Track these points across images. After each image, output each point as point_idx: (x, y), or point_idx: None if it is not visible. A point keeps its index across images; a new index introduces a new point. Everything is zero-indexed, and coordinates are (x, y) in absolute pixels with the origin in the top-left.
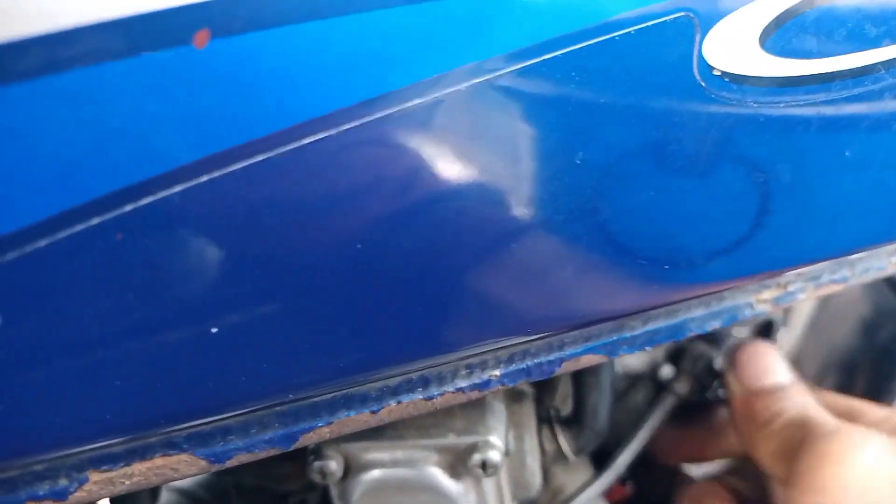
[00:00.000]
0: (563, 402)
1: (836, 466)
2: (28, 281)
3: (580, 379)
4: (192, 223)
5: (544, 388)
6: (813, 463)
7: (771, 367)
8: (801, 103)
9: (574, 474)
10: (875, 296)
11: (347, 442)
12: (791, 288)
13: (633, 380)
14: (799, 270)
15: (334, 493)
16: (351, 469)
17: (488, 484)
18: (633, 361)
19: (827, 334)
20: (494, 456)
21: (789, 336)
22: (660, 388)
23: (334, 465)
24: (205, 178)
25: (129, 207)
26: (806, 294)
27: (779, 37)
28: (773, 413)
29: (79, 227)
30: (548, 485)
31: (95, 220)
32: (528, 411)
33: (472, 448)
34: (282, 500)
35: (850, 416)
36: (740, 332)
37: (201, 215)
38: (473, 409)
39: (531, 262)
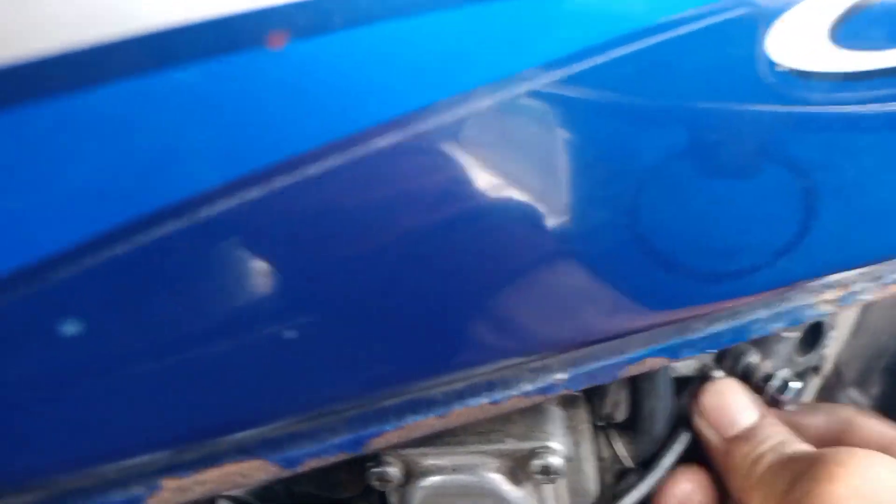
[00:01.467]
0: (616, 408)
1: (827, 483)
2: (108, 288)
3: (636, 385)
4: (265, 230)
5: (597, 396)
6: (808, 489)
7: (739, 407)
8: (870, 99)
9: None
10: None
11: (406, 448)
12: (854, 288)
13: (683, 382)
14: (861, 270)
15: (393, 499)
16: (411, 475)
17: (548, 490)
18: (683, 366)
19: (871, 337)
20: (556, 461)
21: (835, 340)
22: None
23: (394, 471)
24: (268, 189)
25: (203, 214)
26: (870, 294)
27: (851, 27)
28: (753, 460)
29: (157, 233)
30: (603, 493)
31: (172, 226)
32: (583, 417)
33: (533, 453)
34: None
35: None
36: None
37: (273, 223)
38: (532, 414)
39: (594, 270)
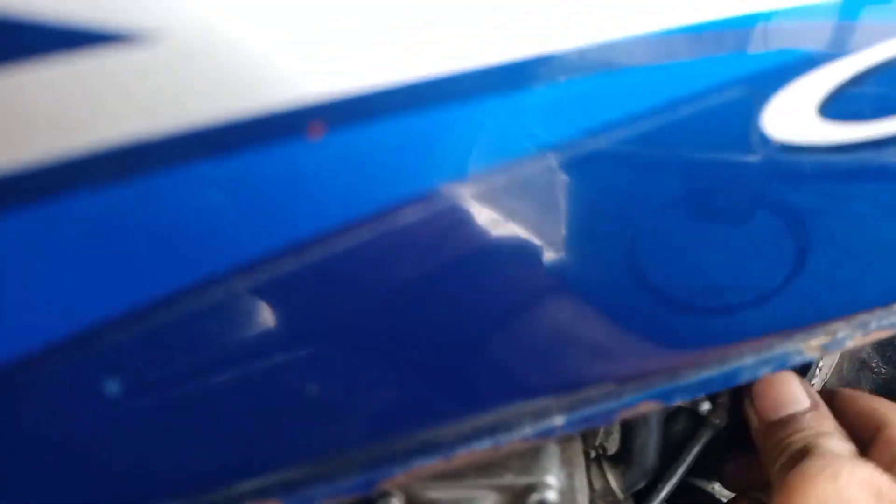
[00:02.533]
0: (608, 439)
1: (808, 486)
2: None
3: (628, 419)
4: (278, 295)
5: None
6: (789, 484)
7: (789, 396)
8: (858, 164)
9: None
10: None
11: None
12: (839, 335)
13: (672, 412)
14: (847, 319)
15: None
16: None
17: None
18: None
19: (864, 361)
20: (551, 496)
21: (826, 367)
22: (697, 419)
23: (397, 503)
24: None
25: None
26: (854, 341)
27: (837, 103)
28: (783, 447)
29: (181, 308)
30: None
31: (208, 299)
32: (577, 449)
33: (530, 488)
34: None
35: (874, 428)
36: None
37: (285, 290)
38: (529, 450)
39: (588, 322)
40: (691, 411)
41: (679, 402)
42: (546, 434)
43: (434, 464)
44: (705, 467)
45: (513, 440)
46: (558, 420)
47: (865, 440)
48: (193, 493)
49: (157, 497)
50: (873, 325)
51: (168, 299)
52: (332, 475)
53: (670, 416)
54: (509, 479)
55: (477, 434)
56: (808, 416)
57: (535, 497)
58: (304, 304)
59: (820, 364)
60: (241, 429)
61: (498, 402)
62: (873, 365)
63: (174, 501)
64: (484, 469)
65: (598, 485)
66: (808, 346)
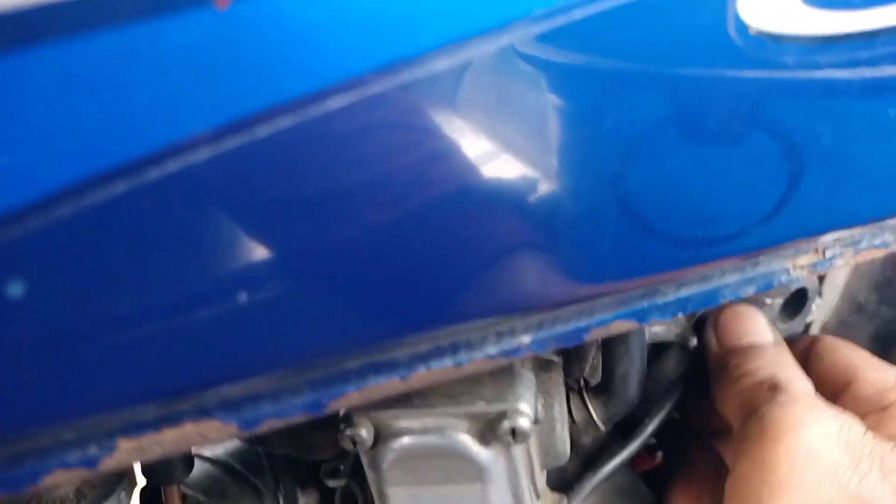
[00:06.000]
0: (593, 373)
1: (774, 442)
2: (53, 248)
3: (610, 348)
4: (214, 191)
5: (573, 358)
6: (755, 432)
7: (752, 328)
8: (844, 62)
9: (603, 444)
10: None
11: (377, 410)
12: (829, 254)
13: (662, 348)
14: (837, 235)
15: (365, 460)
16: (381, 436)
17: (517, 451)
18: (662, 331)
19: (861, 302)
20: (524, 423)
21: (823, 307)
22: (686, 354)
23: (365, 433)
24: (227, 146)
25: (154, 174)
26: (844, 260)
27: None
28: (744, 371)
29: (104, 194)
30: (577, 454)
31: (120, 187)
32: (557, 380)
33: (502, 415)
34: (314, 470)
35: (844, 381)
36: None
37: (223, 184)
38: (502, 377)
39: (557, 231)
40: (681, 346)
41: (656, 320)
42: (512, 353)
43: (390, 383)
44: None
45: (475, 359)
46: (525, 339)
47: (833, 392)
48: (122, 408)
49: (82, 412)
50: (864, 243)
51: (75, 190)
52: (278, 393)
53: (659, 353)
54: (481, 407)
55: (436, 352)
56: (770, 349)
57: (506, 424)
58: (241, 205)
59: (817, 301)
60: (175, 339)
61: (456, 318)
62: (872, 307)
63: (101, 416)
64: (455, 397)
65: (579, 416)
66: (796, 264)
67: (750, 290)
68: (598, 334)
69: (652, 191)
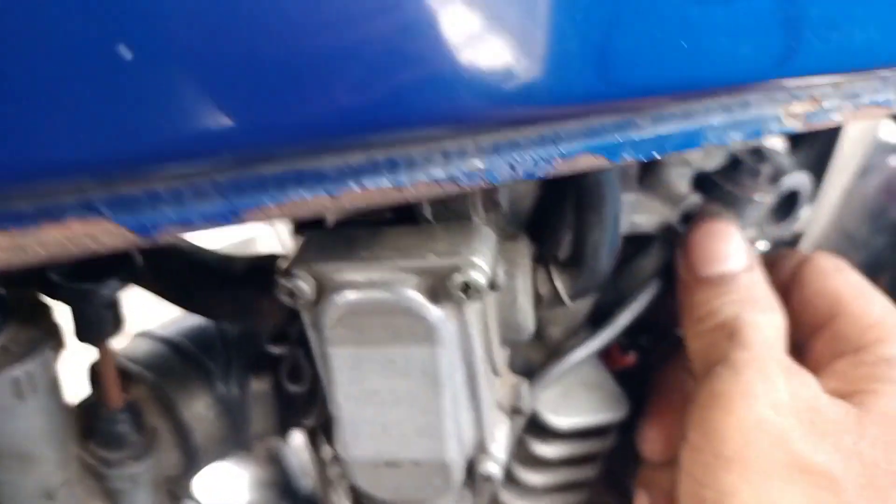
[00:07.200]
0: (558, 245)
1: (725, 414)
2: None
3: (581, 216)
4: None
5: (537, 230)
6: (707, 401)
7: (724, 252)
8: None
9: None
10: None
11: (319, 262)
12: (826, 104)
13: (643, 242)
14: (834, 80)
15: (307, 319)
16: (323, 291)
17: (471, 314)
18: (644, 221)
19: (851, 231)
20: (478, 277)
21: (813, 229)
22: (671, 249)
23: (305, 286)
24: None
25: None
26: (842, 115)
27: None
28: (708, 311)
29: None
30: (545, 346)
31: None
32: (523, 251)
33: (454, 269)
34: (269, 356)
35: (828, 314)
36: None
37: None
38: (458, 231)
39: (513, 25)
40: (663, 240)
41: (629, 158)
42: (463, 180)
43: (317, 199)
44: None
45: (418, 182)
46: (477, 163)
47: (815, 324)
48: None
49: None
50: (865, 98)
51: None
52: (179, 195)
53: (641, 247)
54: (433, 261)
55: (371, 168)
56: (742, 278)
57: (458, 277)
58: None
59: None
60: (35, 100)
61: (386, 124)
62: (863, 237)
63: None
64: (404, 250)
65: (544, 290)
66: (789, 112)
67: (736, 137)
68: (562, 167)
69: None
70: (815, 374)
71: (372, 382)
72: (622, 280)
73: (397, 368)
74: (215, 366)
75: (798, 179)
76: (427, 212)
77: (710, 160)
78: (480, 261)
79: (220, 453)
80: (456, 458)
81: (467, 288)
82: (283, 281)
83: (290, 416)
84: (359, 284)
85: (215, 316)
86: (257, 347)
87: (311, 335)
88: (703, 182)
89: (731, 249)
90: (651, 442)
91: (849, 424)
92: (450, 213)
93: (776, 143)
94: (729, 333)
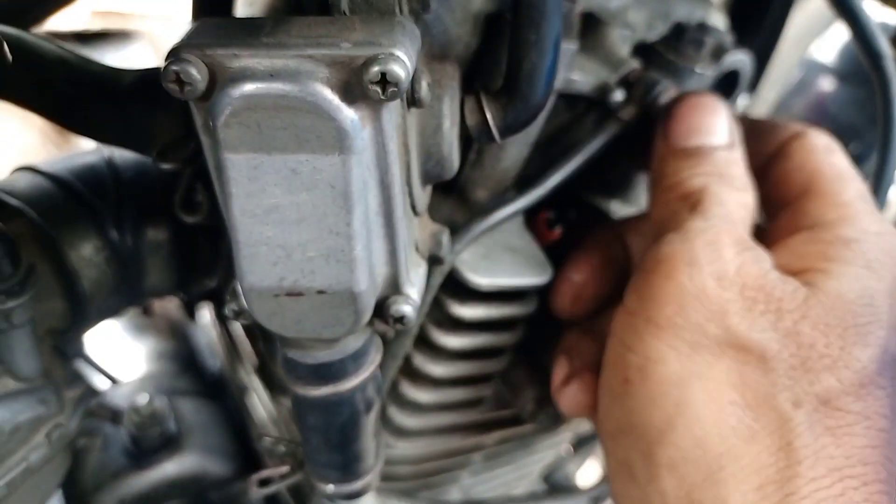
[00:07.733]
0: (490, 75)
1: (666, 280)
2: None
3: (518, 34)
4: None
5: (467, 60)
6: (651, 266)
7: (707, 125)
8: None
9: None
10: None
11: (213, 47)
12: None
13: (581, 107)
14: None
15: (197, 114)
16: (217, 81)
17: (389, 123)
18: (581, 80)
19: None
20: (398, 70)
21: (758, 107)
22: (605, 113)
23: (195, 73)
24: None
25: None
26: None
27: None
28: (677, 181)
29: None
30: (469, 209)
31: None
32: (452, 73)
33: (371, 61)
34: (168, 204)
35: (801, 189)
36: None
37: None
38: (379, 24)
39: None
40: (600, 105)
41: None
42: None
43: None
44: (602, 182)
45: None
46: None
47: (785, 199)
48: None
49: None
50: None
51: None
52: None
53: (577, 113)
54: (347, 50)
55: None
56: (719, 153)
57: (375, 70)
58: None
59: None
60: None
61: None
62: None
63: None
64: (314, 38)
65: (472, 120)
66: None
67: None
68: None
69: None
70: (769, 248)
71: (273, 196)
72: (553, 146)
73: (302, 179)
74: (106, 207)
75: (740, 58)
76: (344, 3)
77: (653, 31)
78: (402, 53)
79: (112, 306)
80: (365, 289)
81: (386, 83)
82: (169, 65)
83: (191, 272)
84: (258, 74)
85: (100, 135)
86: (153, 193)
87: (205, 141)
88: (644, 50)
89: (715, 124)
90: (561, 294)
91: (793, 303)
92: (370, 7)
93: (720, 23)
94: (692, 204)
